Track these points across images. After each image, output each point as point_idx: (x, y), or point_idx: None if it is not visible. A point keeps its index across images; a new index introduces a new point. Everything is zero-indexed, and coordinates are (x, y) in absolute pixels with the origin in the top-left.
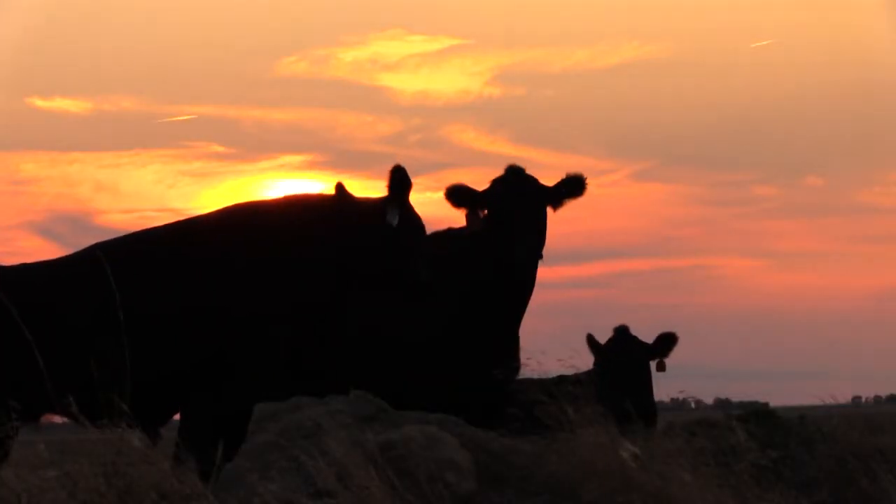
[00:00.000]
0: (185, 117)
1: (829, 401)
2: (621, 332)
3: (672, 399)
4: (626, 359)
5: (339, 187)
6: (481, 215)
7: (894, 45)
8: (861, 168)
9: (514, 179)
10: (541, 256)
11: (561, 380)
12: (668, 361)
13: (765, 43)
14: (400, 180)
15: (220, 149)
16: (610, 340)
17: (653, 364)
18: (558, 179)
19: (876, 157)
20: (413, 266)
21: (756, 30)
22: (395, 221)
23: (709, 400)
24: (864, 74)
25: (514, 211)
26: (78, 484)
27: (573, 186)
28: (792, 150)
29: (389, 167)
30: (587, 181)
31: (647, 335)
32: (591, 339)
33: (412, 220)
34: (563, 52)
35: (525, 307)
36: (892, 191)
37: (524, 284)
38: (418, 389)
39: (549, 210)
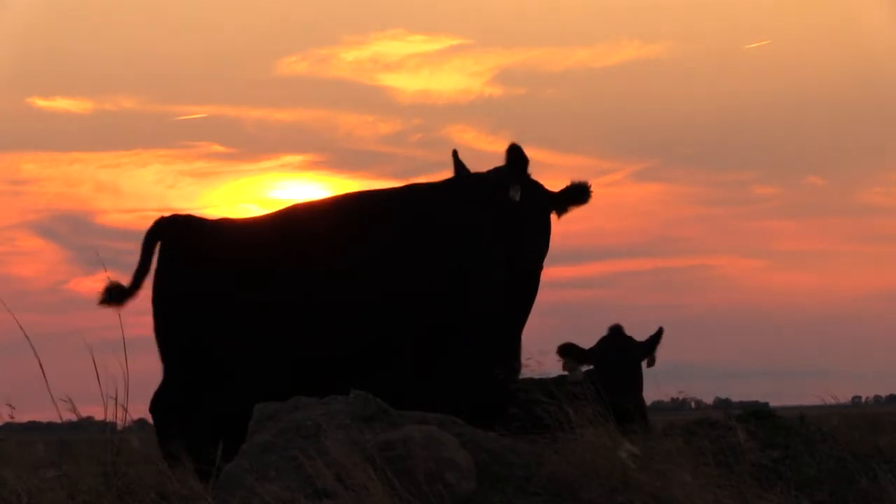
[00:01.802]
0: (196, 115)
1: (829, 401)
2: (615, 332)
3: (672, 399)
4: (620, 359)
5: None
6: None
7: None
8: (861, 168)
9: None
10: (539, 265)
11: (561, 380)
12: (668, 362)
13: (762, 43)
14: (517, 157)
15: (220, 149)
16: (603, 340)
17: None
18: (560, 181)
19: (876, 157)
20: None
21: (754, 30)
22: (517, 197)
23: (709, 400)
24: (865, 74)
25: (518, 219)
26: (78, 484)
27: (578, 194)
28: (792, 150)
29: (385, 165)
30: (592, 189)
31: (646, 336)
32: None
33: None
34: (563, 52)
35: (528, 309)
36: (892, 191)
37: (528, 288)
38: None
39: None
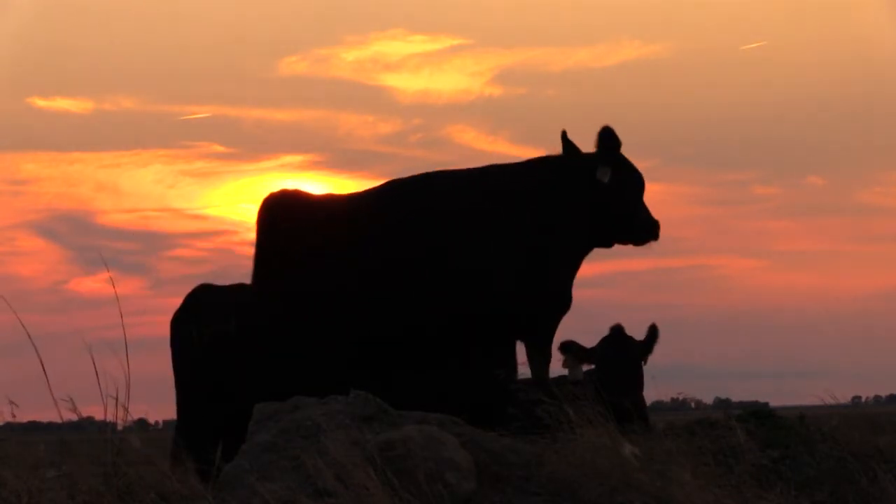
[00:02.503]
0: (198, 115)
1: (829, 401)
2: (616, 332)
3: (672, 399)
4: (621, 359)
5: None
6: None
7: None
8: (861, 168)
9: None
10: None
11: (561, 379)
12: (669, 362)
13: (761, 44)
14: (608, 140)
15: (220, 149)
16: (604, 339)
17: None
18: None
19: (876, 157)
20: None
21: (754, 30)
22: (605, 179)
23: (709, 400)
24: (864, 74)
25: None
26: (78, 484)
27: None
28: (792, 150)
29: (385, 165)
30: None
31: (643, 336)
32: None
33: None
34: (563, 52)
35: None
36: (892, 191)
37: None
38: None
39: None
